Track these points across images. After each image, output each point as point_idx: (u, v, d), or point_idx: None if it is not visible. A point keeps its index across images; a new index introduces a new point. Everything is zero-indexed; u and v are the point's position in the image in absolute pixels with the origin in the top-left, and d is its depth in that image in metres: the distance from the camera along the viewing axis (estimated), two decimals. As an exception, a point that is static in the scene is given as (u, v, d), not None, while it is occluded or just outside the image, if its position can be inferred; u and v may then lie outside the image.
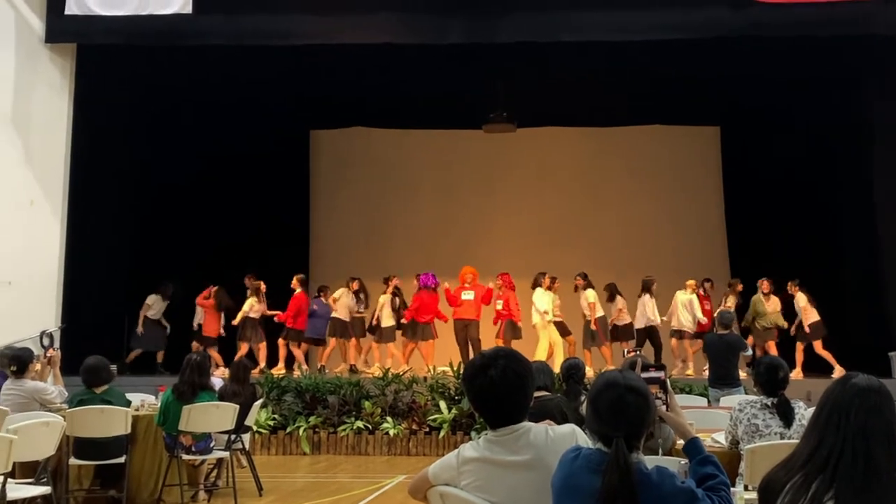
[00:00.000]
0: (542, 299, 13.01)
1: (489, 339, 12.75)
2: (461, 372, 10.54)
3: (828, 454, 2.25)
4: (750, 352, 10.08)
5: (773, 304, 12.81)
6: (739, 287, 13.37)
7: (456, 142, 16.46)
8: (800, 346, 12.40)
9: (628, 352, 8.98)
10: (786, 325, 12.75)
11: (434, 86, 14.28)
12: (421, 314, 13.11)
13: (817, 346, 12.29)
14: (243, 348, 12.96)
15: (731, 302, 13.02)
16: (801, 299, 12.45)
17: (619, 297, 13.29)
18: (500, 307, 13.17)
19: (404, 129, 16.53)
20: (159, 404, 7.67)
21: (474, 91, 14.50)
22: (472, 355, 12.04)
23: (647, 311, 13.05)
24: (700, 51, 12.34)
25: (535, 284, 13.17)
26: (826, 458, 2.24)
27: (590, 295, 13.15)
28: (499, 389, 2.91)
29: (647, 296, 13.08)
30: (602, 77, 13.99)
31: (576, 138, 16.37)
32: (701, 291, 13.44)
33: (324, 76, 14.19)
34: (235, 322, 13.17)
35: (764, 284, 12.90)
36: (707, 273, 14.07)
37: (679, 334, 13.11)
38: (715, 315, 11.59)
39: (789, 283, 12.55)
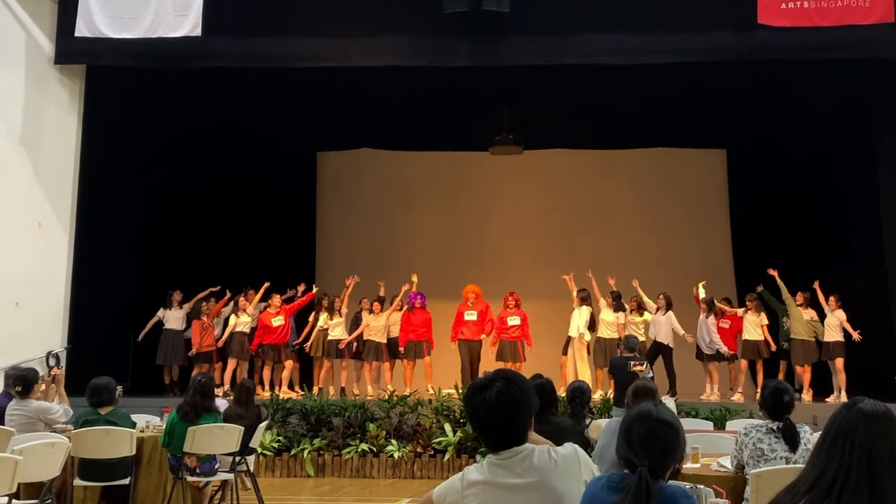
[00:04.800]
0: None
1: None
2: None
3: (832, 480, 2.23)
4: (651, 374, 10.41)
5: (809, 314, 12.66)
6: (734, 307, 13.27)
7: (462, 163, 16.48)
8: (841, 364, 12.23)
9: (634, 364, 8.96)
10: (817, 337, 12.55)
11: (441, 108, 14.33)
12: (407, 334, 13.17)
13: (839, 363, 12.27)
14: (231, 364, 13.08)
15: (760, 319, 12.94)
16: (840, 315, 12.36)
17: (646, 313, 13.21)
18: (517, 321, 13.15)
19: (411, 150, 16.57)
20: (164, 425, 7.67)
21: (481, 113, 14.54)
22: (474, 376, 12.01)
23: (649, 330, 13.07)
24: (706, 74, 12.36)
25: (584, 301, 13.12)
26: (830, 484, 2.22)
27: (621, 315, 13.12)
28: (495, 411, 2.92)
29: (661, 313, 13.02)
30: (608, 99, 14.02)
31: (582, 160, 16.38)
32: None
33: (331, 98, 14.25)
34: (223, 339, 13.25)
35: (799, 296, 12.71)
36: (712, 294, 13.99)
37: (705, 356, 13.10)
38: (621, 340, 11.62)
39: (831, 298, 12.44)
